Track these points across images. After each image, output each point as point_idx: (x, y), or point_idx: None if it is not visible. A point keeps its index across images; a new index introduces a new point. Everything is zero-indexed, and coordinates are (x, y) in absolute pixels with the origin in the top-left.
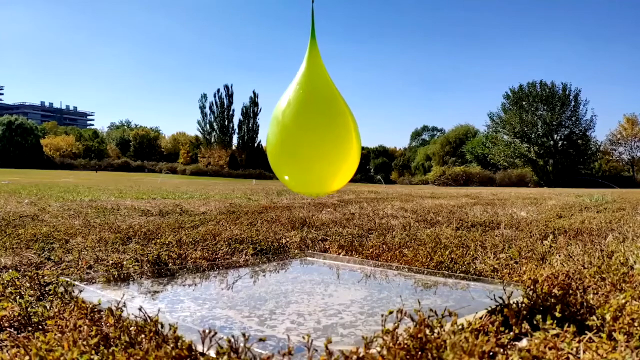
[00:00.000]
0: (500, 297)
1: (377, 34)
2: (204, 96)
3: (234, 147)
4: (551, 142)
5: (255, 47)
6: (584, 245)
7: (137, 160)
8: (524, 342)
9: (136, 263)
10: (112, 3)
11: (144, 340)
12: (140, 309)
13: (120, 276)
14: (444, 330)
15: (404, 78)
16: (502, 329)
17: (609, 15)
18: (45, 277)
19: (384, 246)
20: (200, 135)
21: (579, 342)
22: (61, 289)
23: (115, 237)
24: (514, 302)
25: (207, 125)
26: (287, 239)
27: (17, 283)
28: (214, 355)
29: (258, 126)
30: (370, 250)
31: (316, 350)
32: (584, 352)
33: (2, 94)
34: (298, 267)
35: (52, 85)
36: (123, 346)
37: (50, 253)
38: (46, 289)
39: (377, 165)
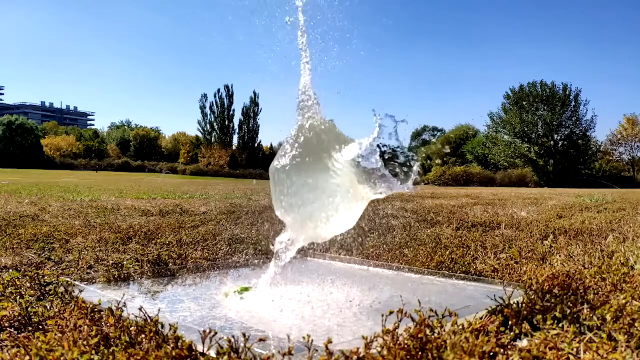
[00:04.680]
0: (501, 297)
1: (376, 34)
2: (204, 96)
3: (234, 147)
4: (551, 142)
5: (254, 46)
6: (584, 245)
7: (137, 160)
8: (524, 342)
9: (136, 263)
10: (112, 3)
11: (144, 340)
12: (140, 309)
13: (121, 276)
14: (444, 330)
15: (404, 78)
16: (502, 329)
17: (609, 15)
18: (46, 277)
19: (384, 246)
20: (200, 135)
21: (579, 342)
22: (61, 289)
23: (115, 237)
24: (514, 302)
25: (208, 125)
26: None
27: (18, 283)
28: (214, 355)
29: (258, 126)
30: (371, 250)
31: (316, 350)
32: (584, 352)
33: (2, 94)
34: (298, 267)
35: (52, 85)
36: (123, 346)
37: (50, 253)
38: (46, 288)
39: None
